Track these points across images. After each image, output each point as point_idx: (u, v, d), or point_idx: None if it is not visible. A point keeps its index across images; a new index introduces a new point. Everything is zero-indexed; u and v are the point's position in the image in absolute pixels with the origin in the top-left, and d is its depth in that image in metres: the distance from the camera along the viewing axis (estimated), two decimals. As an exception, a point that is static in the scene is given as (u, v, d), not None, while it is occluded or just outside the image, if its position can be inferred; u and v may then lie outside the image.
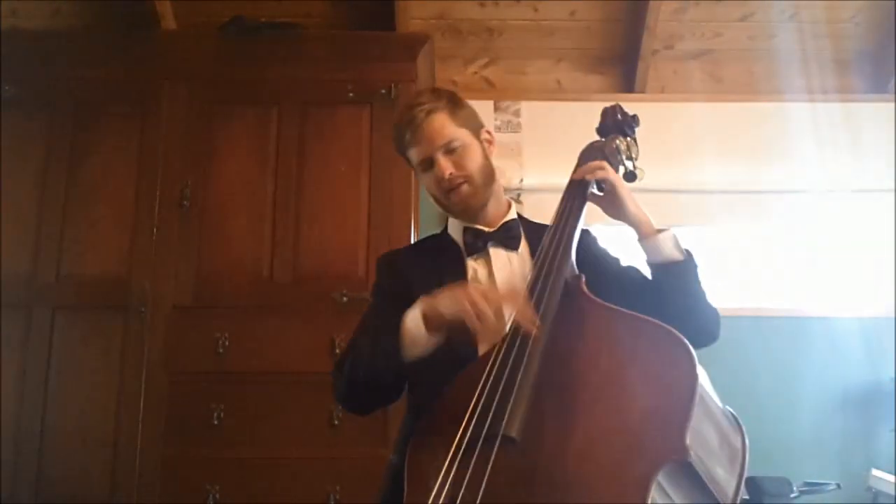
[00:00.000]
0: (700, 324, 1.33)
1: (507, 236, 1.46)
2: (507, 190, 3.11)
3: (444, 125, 1.42)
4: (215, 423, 2.40)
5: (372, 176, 2.62)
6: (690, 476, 0.96)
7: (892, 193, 3.10)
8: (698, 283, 1.39)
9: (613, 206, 1.42)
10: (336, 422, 2.40)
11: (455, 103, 1.47)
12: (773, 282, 3.18)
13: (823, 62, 3.25)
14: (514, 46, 3.28)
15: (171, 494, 2.38)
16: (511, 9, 3.17)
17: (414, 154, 1.45)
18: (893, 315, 2.99)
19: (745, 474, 1.02)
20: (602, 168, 1.42)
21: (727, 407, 1.09)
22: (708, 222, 3.06)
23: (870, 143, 3.16)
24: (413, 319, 1.24)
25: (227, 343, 2.46)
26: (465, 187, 1.43)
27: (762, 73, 3.31)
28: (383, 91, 2.67)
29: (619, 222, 1.43)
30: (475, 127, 1.49)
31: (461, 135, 1.44)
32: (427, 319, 1.22)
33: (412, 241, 2.64)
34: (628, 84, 3.29)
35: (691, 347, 1.05)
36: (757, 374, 2.80)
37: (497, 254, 1.45)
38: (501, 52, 3.30)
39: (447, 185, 1.42)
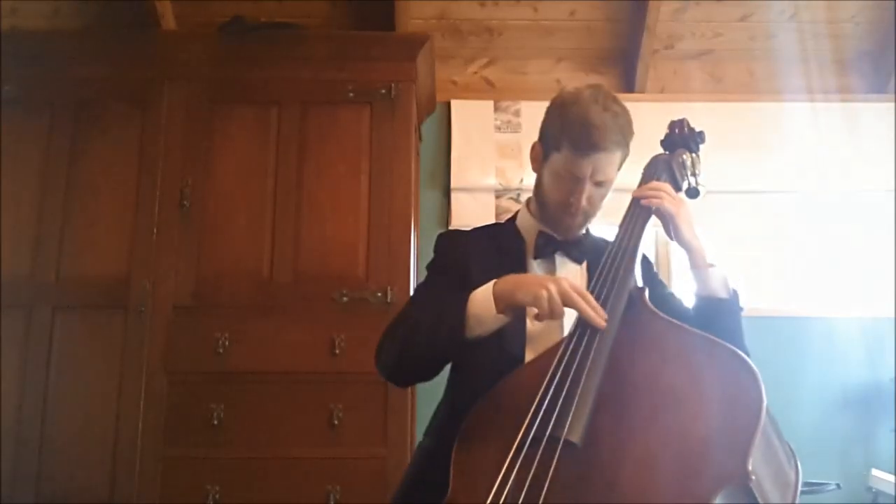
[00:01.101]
0: None
1: (576, 249, 1.45)
2: (507, 190, 3.13)
3: (614, 165, 1.39)
4: (215, 423, 2.40)
5: (372, 176, 2.62)
6: (747, 499, 0.95)
7: (892, 193, 3.10)
8: (737, 324, 1.39)
9: (669, 228, 1.43)
10: (336, 422, 2.40)
11: (631, 140, 1.41)
12: (773, 282, 3.18)
13: (823, 62, 3.25)
14: (514, 46, 3.28)
15: (171, 494, 2.38)
16: (511, 9, 3.17)
17: (569, 163, 1.37)
18: (893, 315, 2.99)
19: None
20: (659, 197, 1.42)
21: (785, 439, 1.09)
22: (707, 222, 3.06)
23: (870, 143, 3.16)
24: (484, 296, 1.24)
25: (227, 343, 2.46)
26: (580, 218, 1.43)
27: (762, 73, 3.31)
28: (383, 91, 2.67)
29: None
30: (624, 162, 1.44)
31: (614, 175, 1.41)
32: (497, 300, 1.22)
33: (412, 241, 2.64)
34: (628, 84, 3.29)
35: (757, 371, 1.04)
36: (757, 374, 2.79)
37: (563, 263, 1.45)
38: (501, 52, 3.30)
39: (572, 209, 1.40)
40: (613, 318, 1.19)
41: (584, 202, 1.39)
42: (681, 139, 1.59)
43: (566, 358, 1.15)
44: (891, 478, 2.42)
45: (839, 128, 3.16)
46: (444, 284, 1.39)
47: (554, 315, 1.18)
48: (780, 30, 3.22)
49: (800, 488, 1.05)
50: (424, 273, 1.51)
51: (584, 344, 1.16)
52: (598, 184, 1.38)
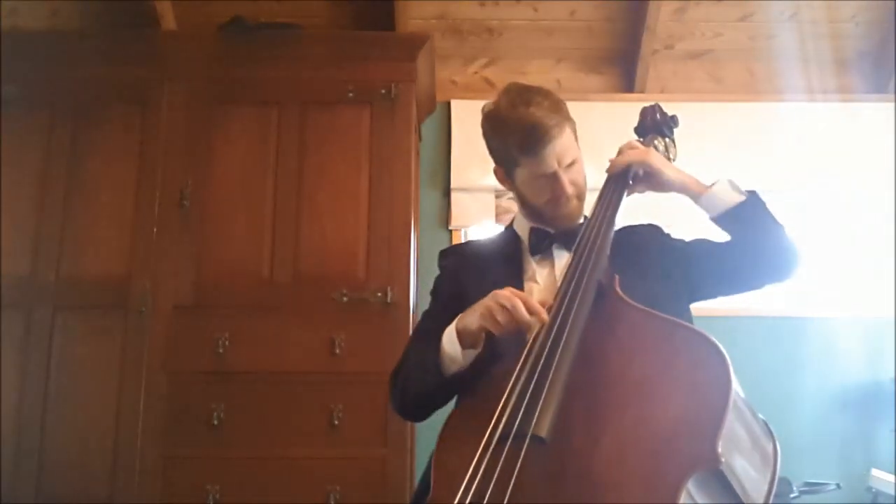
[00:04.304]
0: (783, 257, 1.33)
1: (571, 239, 1.43)
2: (507, 190, 3.12)
3: (571, 142, 1.39)
4: (215, 423, 2.40)
5: (372, 176, 2.62)
6: (721, 483, 0.95)
7: (892, 193, 3.10)
8: (771, 216, 1.38)
9: (653, 181, 1.43)
10: (336, 422, 2.40)
11: (567, 111, 1.41)
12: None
13: (823, 62, 3.25)
14: (514, 46, 3.28)
15: (171, 494, 2.38)
16: (511, 9, 3.17)
17: (533, 168, 1.38)
18: (893, 315, 2.99)
19: (776, 483, 1.01)
20: (624, 155, 1.43)
21: (760, 415, 1.08)
22: (707, 222, 3.05)
23: (870, 143, 3.16)
24: (449, 339, 1.28)
25: (227, 343, 2.46)
26: (574, 202, 1.43)
27: (762, 73, 3.31)
28: (383, 91, 2.67)
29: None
30: (576, 131, 1.45)
31: (577, 150, 1.42)
32: (460, 336, 1.26)
33: (412, 241, 2.64)
34: (628, 84, 3.29)
35: (726, 354, 1.03)
36: (757, 374, 2.80)
37: (560, 256, 1.45)
38: (501, 52, 3.30)
39: (563, 200, 1.41)
40: (581, 310, 1.19)
41: (569, 189, 1.40)
42: (653, 124, 1.59)
43: (534, 353, 1.15)
44: (891, 478, 2.42)
45: (839, 128, 3.16)
46: (439, 314, 1.42)
47: (508, 329, 1.19)
48: (780, 30, 3.22)
49: (779, 462, 1.04)
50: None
51: (551, 338, 1.16)
52: (570, 166, 1.40)
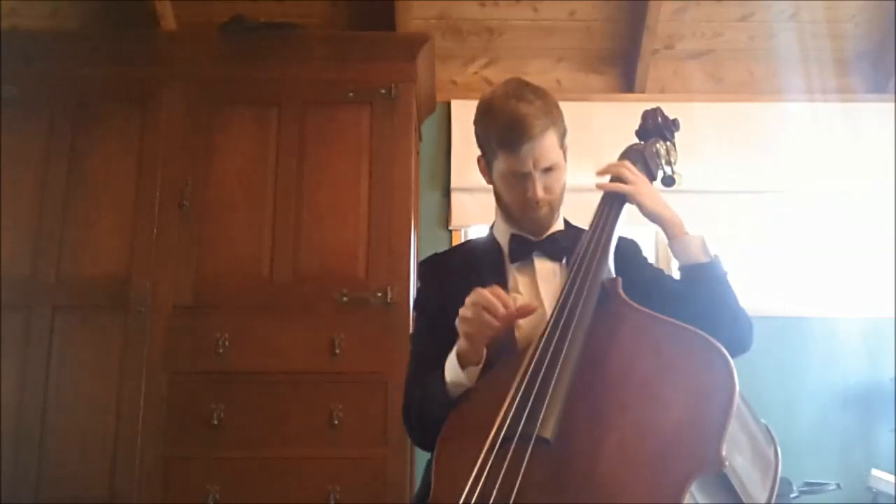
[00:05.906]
0: (728, 332, 1.29)
1: (552, 247, 1.43)
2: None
3: (553, 147, 1.37)
4: (215, 423, 2.40)
5: (372, 176, 2.62)
6: (723, 486, 0.95)
7: (892, 193, 3.10)
8: (727, 289, 1.36)
9: (637, 207, 1.41)
10: (336, 422, 2.40)
11: (560, 117, 1.40)
12: (773, 282, 3.18)
13: (823, 62, 3.25)
14: (514, 46, 3.28)
15: (171, 494, 2.38)
16: (511, 9, 3.17)
17: (509, 163, 1.37)
18: (893, 315, 2.99)
19: (777, 487, 1.02)
20: (622, 178, 1.41)
21: (762, 419, 1.09)
22: (708, 222, 3.05)
23: (870, 143, 3.16)
24: (451, 368, 1.28)
25: (227, 343, 2.46)
26: (545, 209, 1.41)
27: (762, 73, 3.31)
28: (383, 91, 2.67)
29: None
30: (564, 139, 1.43)
31: (559, 157, 1.39)
32: (460, 359, 1.26)
33: (412, 241, 2.64)
34: (628, 84, 3.29)
35: (730, 358, 1.03)
36: (757, 374, 2.78)
37: (542, 264, 1.43)
38: (501, 52, 3.30)
39: (532, 204, 1.39)
40: (585, 312, 1.19)
41: (540, 192, 1.37)
42: (654, 128, 1.58)
43: (538, 354, 1.16)
44: (891, 478, 2.42)
45: (839, 128, 3.15)
46: (429, 331, 1.43)
47: (482, 327, 1.22)
48: (780, 30, 3.22)
49: (780, 466, 1.05)
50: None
51: (555, 340, 1.16)
52: (547, 171, 1.37)
